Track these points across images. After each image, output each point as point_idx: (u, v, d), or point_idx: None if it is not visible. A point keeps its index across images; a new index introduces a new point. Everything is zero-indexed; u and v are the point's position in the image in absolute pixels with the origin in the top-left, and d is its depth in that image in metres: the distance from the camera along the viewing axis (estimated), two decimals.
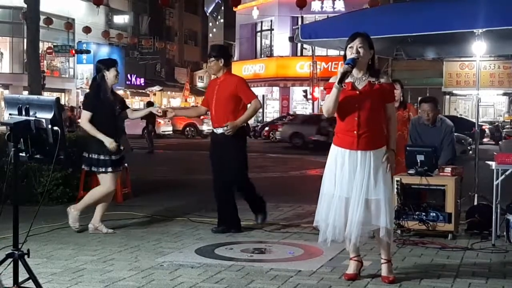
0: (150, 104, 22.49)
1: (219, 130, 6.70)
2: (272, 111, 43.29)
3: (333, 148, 4.84)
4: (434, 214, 6.39)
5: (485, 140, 29.60)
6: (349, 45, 4.74)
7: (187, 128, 34.74)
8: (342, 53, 4.85)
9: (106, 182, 6.58)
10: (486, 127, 31.41)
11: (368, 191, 4.65)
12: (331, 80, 4.79)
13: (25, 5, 15.10)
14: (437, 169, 6.57)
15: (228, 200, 6.77)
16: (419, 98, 7.56)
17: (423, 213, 6.41)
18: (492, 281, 4.87)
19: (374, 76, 4.78)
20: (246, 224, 7.15)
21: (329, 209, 4.74)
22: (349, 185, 4.68)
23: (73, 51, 39.32)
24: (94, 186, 8.69)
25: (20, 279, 3.97)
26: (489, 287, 4.73)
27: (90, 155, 6.58)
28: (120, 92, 31.49)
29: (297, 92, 41.73)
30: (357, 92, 4.73)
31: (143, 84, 49.45)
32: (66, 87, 43.30)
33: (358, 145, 4.69)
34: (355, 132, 4.69)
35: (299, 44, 36.69)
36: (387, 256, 4.86)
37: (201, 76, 56.72)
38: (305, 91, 38.77)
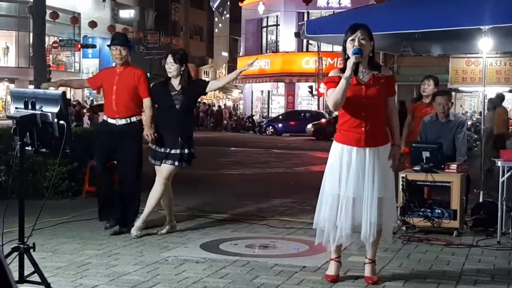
0: None
1: (121, 121, 6.38)
2: (277, 106, 43.25)
3: (336, 146, 4.59)
4: (439, 211, 6.38)
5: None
6: (350, 38, 4.46)
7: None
8: None
9: None
10: None
11: (380, 189, 4.47)
12: (331, 74, 4.59)
13: None
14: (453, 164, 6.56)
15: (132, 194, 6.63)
16: (433, 93, 7.52)
17: (428, 210, 6.40)
18: (497, 278, 4.87)
19: (376, 68, 4.56)
20: (250, 220, 7.16)
21: (332, 210, 4.52)
22: (356, 185, 4.46)
23: (79, 46, 39.45)
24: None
25: (26, 273, 3.99)
26: (494, 284, 4.71)
27: None
28: None
29: (302, 88, 41.67)
30: (363, 85, 4.50)
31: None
32: None
33: (366, 141, 4.47)
34: (362, 128, 4.46)
35: (304, 40, 36.68)
36: (373, 256, 4.71)
37: (206, 71, 56.70)
38: (311, 87, 38.72)
